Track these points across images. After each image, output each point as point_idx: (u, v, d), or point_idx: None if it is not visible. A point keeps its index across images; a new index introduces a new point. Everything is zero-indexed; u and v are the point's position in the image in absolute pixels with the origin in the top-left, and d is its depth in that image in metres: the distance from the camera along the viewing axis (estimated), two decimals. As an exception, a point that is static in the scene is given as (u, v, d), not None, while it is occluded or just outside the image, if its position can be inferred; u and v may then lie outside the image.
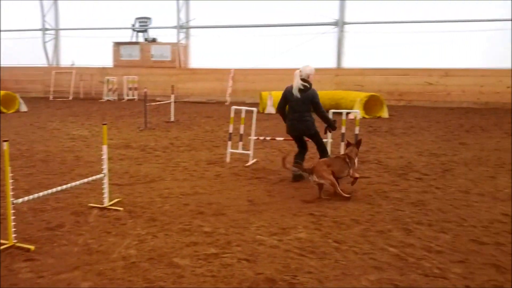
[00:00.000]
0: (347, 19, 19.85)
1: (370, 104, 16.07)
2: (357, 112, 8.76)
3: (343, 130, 8.48)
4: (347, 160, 6.73)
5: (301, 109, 7.37)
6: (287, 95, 7.46)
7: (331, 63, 20.21)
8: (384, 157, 9.34)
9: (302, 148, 7.70)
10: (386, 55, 19.41)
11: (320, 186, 6.54)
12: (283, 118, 7.66)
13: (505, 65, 18.36)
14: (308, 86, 7.37)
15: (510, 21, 18.24)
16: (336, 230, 5.29)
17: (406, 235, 5.14)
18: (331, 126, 7.50)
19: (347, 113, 9.25)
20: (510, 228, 5.37)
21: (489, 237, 5.11)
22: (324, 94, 17.18)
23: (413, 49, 19.09)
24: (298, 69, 7.49)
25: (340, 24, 19.69)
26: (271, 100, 17.12)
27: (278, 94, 17.02)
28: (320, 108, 7.40)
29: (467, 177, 7.74)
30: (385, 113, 15.65)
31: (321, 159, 6.96)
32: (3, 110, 16.80)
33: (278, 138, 9.88)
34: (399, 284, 4.02)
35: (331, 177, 6.47)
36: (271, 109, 17.04)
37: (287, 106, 7.52)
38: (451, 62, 18.67)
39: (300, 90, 7.33)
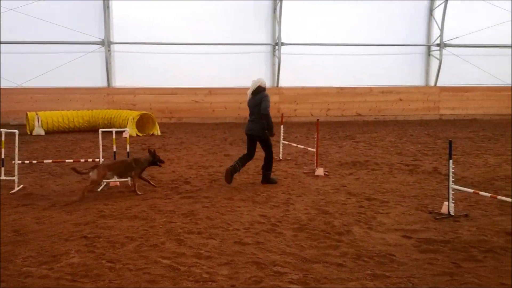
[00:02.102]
0: (113, 39, 19.74)
1: (143, 122, 16.26)
2: (126, 131, 8.82)
3: (114, 148, 8.45)
4: (133, 164, 7.85)
5: (254, 111, 8.46)
6: (248, 100, 8.60)
7: (102, 83, 19.81)
8: (158, 173, 9.59)
9: (248, 153, 8.62)
10: (155, 74, 19.87)
11: (93, 182, 7.61)
12: None
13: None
14: (260, 89, 8.47)
15: (270, 46, 20.63)
16: (110, 250, 5.26)
17: (178, 245, 5.41)
18: (270, 130, 8.45)
19: (121, 132, 9.24)
20: (268, 228, 6.09)
21: (250, 238, 5.71)
22: (96, 113, 16.78)
23: (180, 70, 19.98)
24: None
25: (106, 43, 19.46)
26: (39, 121, 15.92)
27: (46, 115, 16.04)
28: (264, 108, 8.31)
29: (231, 185, 8.48)
30: (157, 131, 16.02)
31: (105, 163, 8.01)
32: None
33: (46, 161, 9.31)
34: (172, 293, 4.23)
35: (101, 178, 7.66)
36: (40, 130, 15.85)
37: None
38: (214, 82, 20.14)
39: (252, 92, 8.51)
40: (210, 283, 4.45)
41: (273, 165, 10.46)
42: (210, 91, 20.01)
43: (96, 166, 7.70)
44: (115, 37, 19.86)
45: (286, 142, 11.54)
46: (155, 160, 8.17)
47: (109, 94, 19.50)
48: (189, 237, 5.69)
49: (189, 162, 10.79)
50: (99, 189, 8.10)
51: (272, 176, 8.84)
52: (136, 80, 19.92)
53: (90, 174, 7.59)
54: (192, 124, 19.13)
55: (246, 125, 8.80)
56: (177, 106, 19.85)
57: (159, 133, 15.93)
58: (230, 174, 8.39)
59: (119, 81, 20.14)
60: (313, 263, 4.93)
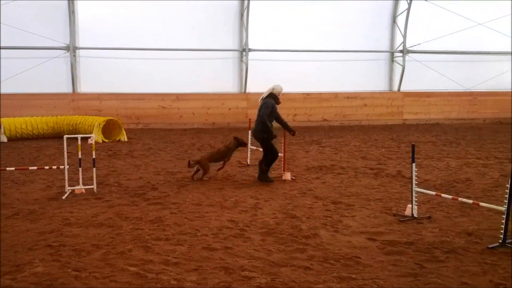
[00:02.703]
0: (79, 44, 19.43)
1: (109, 128, 16.06)
2: (92, 137, 8.70)
3: (79, 155, 8.33)
4: (227, 151, 9.69)
5: (259, 114, 9.10)
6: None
7: (67, 88, 19.44)
8: (124, 179, 9.50)
9: (263, 154, 9.22)
10: (122, 80, 19.62)
11: (205, 172, 9.44)
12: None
13: (227, 90, 20.73)
14: (270, 96, 9.06)
15: (238, 51, 20.69)
16: (76, 258, 5.18)
17: (145, 252, 5.37)
18: (268, 134, 9.00)
19: (87, 138, 9.14)
20: (236, 233, 6.12)
21: (219, 243, 5.73)
22: (61, 119, 16.47)
23: (148, 75, 19.83)
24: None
25: (71, 49, 19.14)
26: (2, 128, 15.49)
27: (9, 121, 15.58)
28: (264, 112, 8.93)
29: (199, 191, 8.48)
30: (124, 137, 15.84)
31: (205, 155, 9.75)
32: None
33: (9, 169, 9.10)
34: (139, 300, 4.21)
35: (208, 167, 9.51)
36: (2, 137, 15.43)
37: None
38: (182, 88, 20.06)
39: (263, 98, 9.19)
40: (178, 289, 4.44)
41: (241, 169, 10.56)
42: (178, 97, 19.93)
43: (199, 160, 9.54)
44: (80, 43, 19.55)
45: (254, 147, 11.58)
46: (239, 144, 9.84)
47: (74, 100, 19.19)
48: (156, 244, 5.66)
49: (156, 168, 10.71)
50: (64, 197, 7.97)
51: (253, 175, 9.35)
52: (102, 85, 19.63)
53: (196, 167, 9.47)
54: (159, 130, 18.99)
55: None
56: (144, 112, 19.68)
57: (126, 139, 15.76)
58: (263, 177, 9.18)
59: (85, 87, 19.82)
60: (280, 267, 4.98)
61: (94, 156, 8.49)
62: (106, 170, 10.41)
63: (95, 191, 8.31)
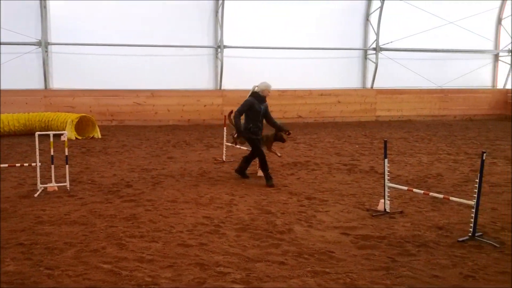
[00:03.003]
0: (51, 40, 19.06)
1: (82, 125, 15.82)
2: (65, 134, 8.58)
3: (51, 152, 8.21)
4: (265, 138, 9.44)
5: None
6: None
7: (39, 85, 19.05)
8: (98, 176, 9.39)
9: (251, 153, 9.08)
10: (96, 76, 19.34)
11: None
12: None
13: (203, 87, 20.66)
14: (252, 94, 8.69)
15: (213, 48, 20.61)
16: (48, 256, 5.12)
17: (119, 250, 5.34)
18: (237, 131, 9.02)
19: (59, 135, 8.98)
20: (211, 229, 6.13)
21: (194, 239, 5.73)
22: (33, 116, 16.14)
23: (122, 72, 19.58)
24: None
25: (43, 44, 18.77)
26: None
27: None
28: (237, 109, 8.68)
29: (174, 188, 8.45)
30: (97, 133, 15.64)
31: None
32: None
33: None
34: (114, 297, 4.19)
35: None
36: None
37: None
38: (157, 84, 19.89)
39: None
40: (153, 286, 4.44)
41: (217, 166, 10.55)
42: (153, 94, 19.75)
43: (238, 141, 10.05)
44: (52, 38, 19.17)
45: (230, 144, 11.59)
46: (277, 138, 9.49)
47: (47, 96, 18.82)
48: (131, 241, 5.64)
49: (131, 165, 10.63)
50: (36, 195, 7.84)
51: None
52: (75, 82, 19.30)
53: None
54: (134, 126, 18.82)
55: None
56: (119, 108, 19.44)
57: (100, 136, 15.56)
58: (269, 182, 8.72)
59: (57, 83, 19.46)
60: (255, 262, 5.02)
61: (66, 153, 8.38)
62: (79, 168, 10.28)
63: (68, 188, 8.20)
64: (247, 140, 9.20)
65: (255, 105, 8.62)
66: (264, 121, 9.02)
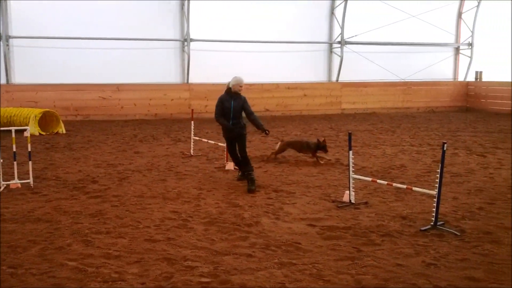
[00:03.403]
0: (12, 33, 18.49)
1: (46, 120, 15.47)
2: (28, 130, 8.39)
3: (14, 148, 8.02)
4: (306, 145, 10.30)
5: None
6: None
7: (0, 79, 18.48)
8: (63, 173, 9.23)
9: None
10: (59, 71, 18.88)
11: (275, 152, 10.65)
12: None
13: (169, 80, 20.48)
14: (226, 90, 8.38)
15: (179, 41, 20.42)
16: (11, 255, 5.03)
17: (85, 246, 5.28)
18: (225, 130, 8.48)
19: (22, 131, 8.78)
20: (179, 223, 6.12)
21: (161, 234, 5.72)
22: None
23: (86, 65, 19.19)
24: None
25: (3, 38, 18.20)
26: None
27: None
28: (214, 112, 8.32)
29: (141, 183, 8.39)
30: (62, 129, 15.33)
31: (286, 139, 10.88)
32: None
33: None
34: (80, 294, 4.16)
35: (280, 151, 10.64)
36: None
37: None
38: (122, 78, 19.59)
39: None
40: (120, 282, 4.41)
41: (185, 160, 10.51)
42: (118, 88, 19.44)
43: (281, 140, 10.77)
44: (13, 31, 18.61)
45: (197, 138, 11.57)
46: (319, 147, 10.03)
47: (8, 91, 18.29)
48: (97, 238, 5.58)
49: (96, 161, 10.47)
50: (-3, 192, 7.66)
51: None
52: (37, 76, 18.80)
53: (276, 144, 10.69)
54: (99, 121, 18.50)
55: None
56: (83, 103, 19.06)
57: (64, 132, 15.25)
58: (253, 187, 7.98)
59: (19, 78, 18.92)
60: (223, 255, 5.05)
61: (30, 149, 8.20)
62: (43, 164, 10.07)
63: (32, 185, 8.03)
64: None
65: (224, 102, 8.25)
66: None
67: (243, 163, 8.34)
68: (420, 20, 22.60)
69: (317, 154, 10.24)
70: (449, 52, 24.60)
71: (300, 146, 10.43)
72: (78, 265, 4.77)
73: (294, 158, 10.75)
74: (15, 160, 8.10)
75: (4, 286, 4.31)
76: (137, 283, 4.39)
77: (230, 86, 8.36)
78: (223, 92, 8.41)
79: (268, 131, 8.56)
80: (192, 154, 11.21)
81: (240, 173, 8.72)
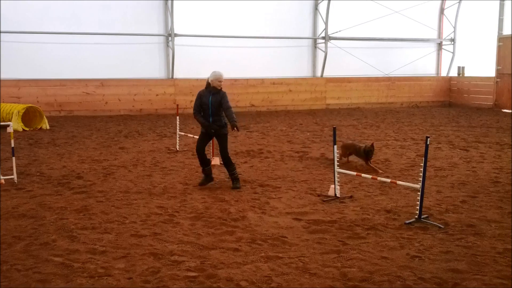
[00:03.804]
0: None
1: (29, 116, 15.28)
2: (10, 125, 8.28)
3: (-4, 145, 7.93)
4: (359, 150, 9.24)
5: None
6: None
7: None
8: (47, 168, 9.14)
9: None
10: (41, 66, 18.62)
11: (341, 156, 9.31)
12: None
13: (154, 76, 20.38)
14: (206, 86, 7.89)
15: (163, 36, 20.28)
16: (-4, 251, 4.98)
17: (71, 242, 5.26)
18: (203, 126, 7.97)
19: (5, 127, 8.65)
20: (165, 219, 6.12)
21: (147, 229, 5.71)
22: (-26, 107, 15.45)
23: (69, 61, 18.98)
24: None
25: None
26: None
27: None
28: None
29: (127, 178, 8.35)
30: (45, 124, 15.16)
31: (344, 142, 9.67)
32: None
33: None
34: (66, 290, 4.14)
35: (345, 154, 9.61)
36: None
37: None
38: (106, 73, 19.42)
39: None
40: (106, 277, 4.41)
41: (170, 156, 10.47)
42: (102, 83, 19.27)
43: (342, 144, 9.78)
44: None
45: (183, 133, 11.54)
46: (367, 153, 9.04)
47: (-11, 87, 18.04)
48: (82, 233, 5.55)
49: (81, 157, 10.39)
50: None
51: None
52: (20, 72, 18.54)
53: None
54: (83, 117, 18.33)
55: None
56: (67, 98, 18.85)
57: (48, 127, 15.08)
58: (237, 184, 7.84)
59: (1, 73, 18.66)
60: (210, 250, 5.06)
61: (13, 145, 8.09)
62: (27, 160, 9.96)
63: (16, 181, 7.94)
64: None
65: (203, 97, 7.87)
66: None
67: (225, 164, 7.94)
68: (403, 16, 22.78)
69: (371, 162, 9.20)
70: (432, 48, 24.84)
71: (354, 150, 9.53)
72: (64, 260, 4.74)
73: (280, 153, 10.79)
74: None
75: (-11, 282, 4.27)
76: (123, 278, 4.39)
77: (209, 81, 7.93)
78: (204, 86, 8.04)
79: (238, 128, 8.00)
80: (177, 149, 11.19)
81: (204, 177, 8.06)
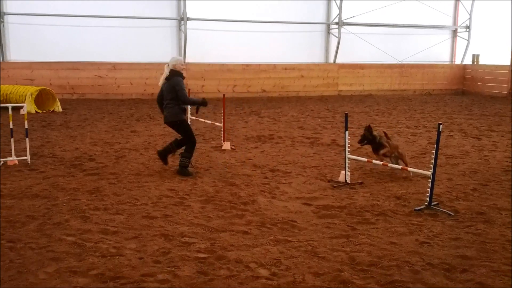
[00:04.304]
0: (6, 10, 18.29)
1: (42, 98, 15.41)
2: (24, 107, 8.37)
3: (11, 125, 8.02)
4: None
5: (168, 97, 7.52)
6: (161, 86, 7.66)
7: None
8: (60, 150, 9.24)
9: (183, 141, 7.77)
10: (55, 48, 18.76)
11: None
12: (161, 109, 7.83)
13: (166, 60, 20.32)
14: (173, 74, 7.50)
15: (176, 20, 20.27)
16: (10, 229, 5.08)
17: (83, 222, 5.34)
18: (201, 104, 7.93)
19: (19, 108, 8.75)
20: (176, 201, 6.18)
21: (159, 211, 5.78)
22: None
23: (82, 44, 19.04)
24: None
25: (1, 15, 18.06)
26: None
27: None
28: (181, 94, 7.44)
29: (138, 161, 8.42)
30: (58, 107, 15.29)
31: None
32: None
33: None
34: (77, 270, 4.22)
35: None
36: None
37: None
38: (118, 57, 19.48)
39: (166, 78, 7.55)
40: (118, 257, 4.48)
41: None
42: (115, 66, 19.34)
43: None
44: (8, 8, 18.43)
45: (194, 118, 11.56)
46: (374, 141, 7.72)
47: (4, 68, 18.16)
48: (95, 214, 5.63)
49: (93, 139, 10.48)
50: (-6, 169, 7.68)
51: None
52: (33, 54, 18.68)
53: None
54: (96, 100, 18.44)
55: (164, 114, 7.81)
56: (79, 81, 18.97)
57: (61, 110, 15.21)
58: (183, 171, 7.56)
59: (15, 55, 18.79)
60: (220, 232, 5.12)
61: (26, 126, 8.19)
62: (40, 141, 10.08)
63: (29, 162, 8.05)
64: (179, 124, 7.75)
65: (162, 85, 7.64)
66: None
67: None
68: (418, 2, 22.49)
69: (383, 153, 7.63)
70: (447, 35, 24.53)
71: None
72: (76, 240, 4.83)
73: (291, 139, 10.79)
74: (12, 137, 8.10)
75: (3, 260, 4.36)
76: (135, 258, 4.46)
77: (171, 67, 7.57)
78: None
79: (206, 103, 7.89)
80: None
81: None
